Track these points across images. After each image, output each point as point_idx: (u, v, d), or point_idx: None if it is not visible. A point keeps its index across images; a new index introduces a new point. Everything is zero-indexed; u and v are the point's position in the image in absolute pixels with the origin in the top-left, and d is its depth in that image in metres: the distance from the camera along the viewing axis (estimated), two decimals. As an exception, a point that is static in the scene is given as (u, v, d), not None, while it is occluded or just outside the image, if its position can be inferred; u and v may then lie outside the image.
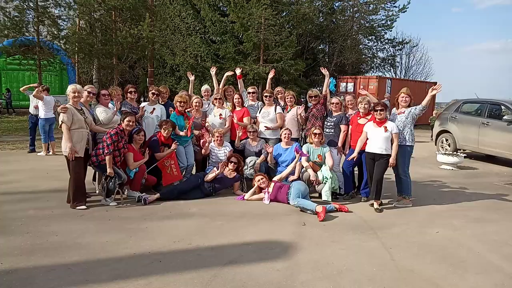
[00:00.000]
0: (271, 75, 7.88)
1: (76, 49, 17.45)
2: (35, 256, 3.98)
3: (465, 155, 10.31)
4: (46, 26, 17.41)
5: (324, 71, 7.15)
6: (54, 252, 4.11)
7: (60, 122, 5.48)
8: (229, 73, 7.96)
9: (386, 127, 5.89)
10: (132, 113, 6.19)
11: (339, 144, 6.63)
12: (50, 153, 9.99)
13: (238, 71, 7.90)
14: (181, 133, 6.61)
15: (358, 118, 6.40)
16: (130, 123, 5.97)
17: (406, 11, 27.29)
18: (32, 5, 15.98)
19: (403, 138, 6.02)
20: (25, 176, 7.46)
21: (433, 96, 24.21)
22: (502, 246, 4.73)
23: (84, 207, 5.60)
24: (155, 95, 7.04)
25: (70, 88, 5.64)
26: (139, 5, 17.33)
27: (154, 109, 6.98)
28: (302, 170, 6.45)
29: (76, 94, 5.58)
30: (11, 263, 3.81)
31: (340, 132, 6.65)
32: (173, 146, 6.51)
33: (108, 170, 5.67)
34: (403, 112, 6.12)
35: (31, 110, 10.25)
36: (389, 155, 5.89)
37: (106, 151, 5.65)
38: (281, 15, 22.45)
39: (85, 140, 5.60)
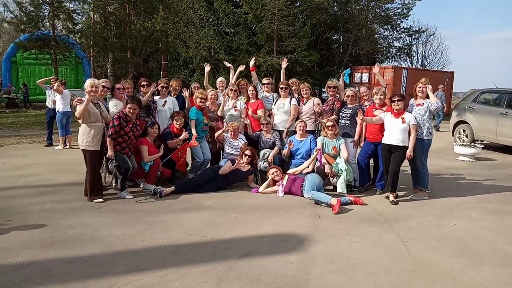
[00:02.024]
0: (284, 65, 7.82)
1: (91, 43, 17.60)
2: (53, 249, 4.06)
3: (482, 146, 10.11)
4: (62, 21, 17.63)
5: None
6: (72, 244, 4.18)
7: (76, 115, 5.54)
8: (241, 67, 7.89)
9: (403, 118, 5.80)
10: (135, 100, 6.10)
11: (356, 137, 6.57)
12: (67, 146, 10.14)
13: (251, 62, 7.87)
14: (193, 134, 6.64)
15: (374, 109, 6.31)
16: (131, 111, 5.92)
17: (422, -1, 26.76)
18: (47, 0, 16.14)
19: (421, 132, 5.93)
20: (43, 170, 7.59)
21: (450, 86, 23.62)
22: (521, 239, 4.65)
23: (100, 200, 5.69)
24: (164, 88, 7.07)
25: (88, 82, 5.69)
26: (153, -2, 17.36)
27: (165, 101, 7.03)
28: (317, 163, 6.42)
29: (94, 89, 5.63)
30: (30, 255, 3.89)
31: (355, 123, 6.59)
32: (183, 135, 6.59)
33: (109, 152, 5.67)
34: (422, 104, 6.00)
35: (48, 104, 10.41)
36: (406, 147, 5.82)
37: (107, 134, 5.66)
38: (294, 5, 22.22)
39: (101, 134, 5.65)
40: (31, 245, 4.12)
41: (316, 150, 6.37)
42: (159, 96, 7.10)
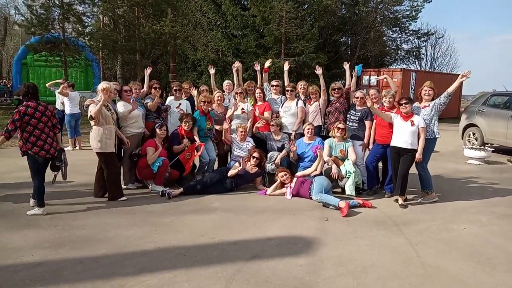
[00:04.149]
0: (286, 67, 7.82)
1: (101, 45, 17.75)
2: (63, 249, 4.10)
3: (492, 149, 10.02)
4: (71, 23, 17.76)
5: (345, 65, 7.07)
6: (82, 245, 4.22)
7: (92, 115, 5.54)
8: (257, 67, 7.87)
9: (412, 121, 5.78)
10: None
11: (365, 140, 6.56)
12: (77, 148, 10.22)
13: (267, 63, 7.88)
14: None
15: (383, 112, 6.29)
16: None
17: (431, 1, 26.65)
18: (57, 3, 16.30)
19: (431, 131, 5.91)
20: (53, 171, 7.64)
21: (459, 89, 23.38)
22: (532, 243, 4.60)
23: (124, 198, 5.84)
24: (177, 91, 7.15)
25: (102, 85, 5.74)
26: (161, 0, 17.46)
27: (180, 104, 7.09)
28: (325, 166, 6.40)
29: (107, 92, 5.68)
30: (40, 255, 3.93)
31: (363, 126, 6.57)
32: (184, 141, 6.66)
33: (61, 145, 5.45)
34: (428, 106, 5.99)
35: (58, 106, 10.50)
36: (415, 150, 5.79)
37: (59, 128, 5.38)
38: (302, 8, 22.24)
39: (113, 136, 5.70)
40: (41, 245, 4.17)
41: (318, 149, 6.37)
42: (172, 97, 7.22)
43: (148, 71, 7.23)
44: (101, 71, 21.77)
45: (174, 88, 7.27)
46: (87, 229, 4.66)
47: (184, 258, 3.98)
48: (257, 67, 7.87)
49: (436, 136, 5.97)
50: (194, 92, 7.37)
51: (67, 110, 9.97)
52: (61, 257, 3.91)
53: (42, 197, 5.17)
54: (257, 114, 7.13)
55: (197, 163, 7.11)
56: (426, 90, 6.04)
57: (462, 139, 11.92)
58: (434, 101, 5.98)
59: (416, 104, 6.18)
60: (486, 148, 9.88)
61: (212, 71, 8.02)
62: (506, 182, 7.65)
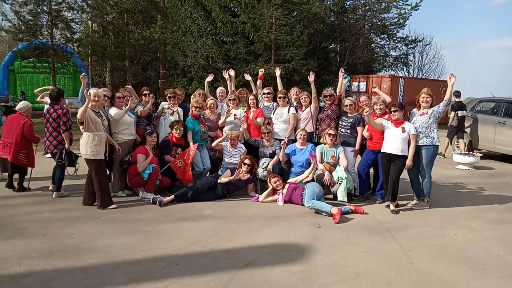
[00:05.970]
0: (278, 72, 7.85)
1: (89, 52, 17.61)
2: (52, 259, 4.01)
3: (481, 155, 10.13)
4: (60, 30, 17.59)
5: (340, 73, 7.08)
6: (71, 254, 4.14)
7: (78, 117, 5.47)
8: (231, 73, 7.97)
9: (404, 127, 5.80)
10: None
11: (357, 146, 6.57)
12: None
13: (261, 72, 7.93)
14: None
15: (375, 118, 6.31)
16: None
17: (418, 9, 26.90)
18: (45, 9, 16.15)
19: (432, 138, 5.91)
20: (41, 178, 7.52)
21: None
22: (523, 248, 4.63)
23: (114, 206, 5.74)
24: (171, 98, 7.07)
25: (91, 91, 5.69)
26: (151, 7, 17.40)
27: (173, 111, 7.03)
28: (317, 172, 6.40)
29: (96, 99, 5.64)
30: (29, 265, 3.84)
31: (355, 133, 6.59)
32: (192, 148, 6.52)
33: (67, 145, 6.13)
34: (426, 114, 6.00)
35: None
36: (406, 156, 5.81)
37: (64, 128, 6.08)
38: (292, 15, 22.37)
39: (104, 142, 5.63)
40: (30, 255, 4.07)
41: (312, 157, 6.34)
42: (167, 103, 7.15)
43: (129, 87, 7.02)
44: (90, 78, 21.58)
45: (169, 95, 7.13)
46: (76, 238, 4.58)
47: (176, 267, 3.92)
48: (248, 77, 7.90)
49: (437, 144, 5.98)
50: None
51: None
52: (50, 267, 3.83)
53: (56, 183, 6.26)
54: (250, 117, 7.11)
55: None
56: (424, 97, 6.06)
57: (451, 144, 12.02)
58: (432, 109, 5.99)
59: (414, 110, 6.20)
60: (474, 153, 9.99)
61: (209, 78, 8.00)
62: (496, 187, 7.73)
